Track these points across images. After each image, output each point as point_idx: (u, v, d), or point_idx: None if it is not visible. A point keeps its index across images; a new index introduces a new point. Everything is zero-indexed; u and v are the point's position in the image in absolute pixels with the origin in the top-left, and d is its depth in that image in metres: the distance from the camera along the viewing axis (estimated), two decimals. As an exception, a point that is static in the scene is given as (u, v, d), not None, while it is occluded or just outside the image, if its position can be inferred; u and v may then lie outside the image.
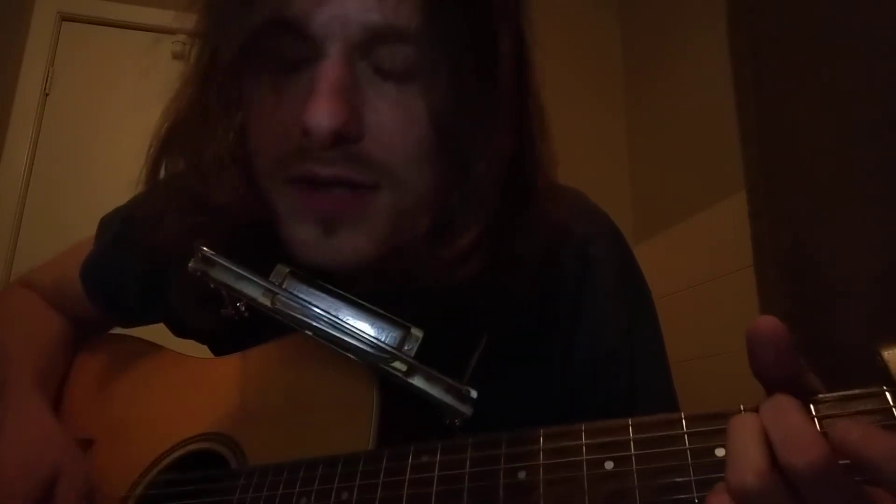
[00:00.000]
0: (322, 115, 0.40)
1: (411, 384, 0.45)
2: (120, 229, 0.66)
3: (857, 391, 0.33)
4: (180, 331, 0.68)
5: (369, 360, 0.46)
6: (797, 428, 0.30)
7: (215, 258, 0.48)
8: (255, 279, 0.48)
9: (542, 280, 0.54)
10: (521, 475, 0.39)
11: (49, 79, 2.15)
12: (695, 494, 0.33)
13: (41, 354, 0.65)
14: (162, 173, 0.52)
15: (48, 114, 2.14)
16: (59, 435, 0.57)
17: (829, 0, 1.29)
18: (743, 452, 0.31)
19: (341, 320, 0.47)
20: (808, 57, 1.32)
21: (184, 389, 0.61)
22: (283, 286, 0.48)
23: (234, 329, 0.53)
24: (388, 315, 0.47)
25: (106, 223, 0.71)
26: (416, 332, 0.46)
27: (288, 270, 0.49)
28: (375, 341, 0.46)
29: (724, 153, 1.78)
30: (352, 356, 0.47)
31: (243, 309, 0.50)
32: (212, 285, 0.49)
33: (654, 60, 2.39)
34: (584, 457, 0.37)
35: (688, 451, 0.35)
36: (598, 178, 2.42)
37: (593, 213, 0.61)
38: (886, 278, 1.16)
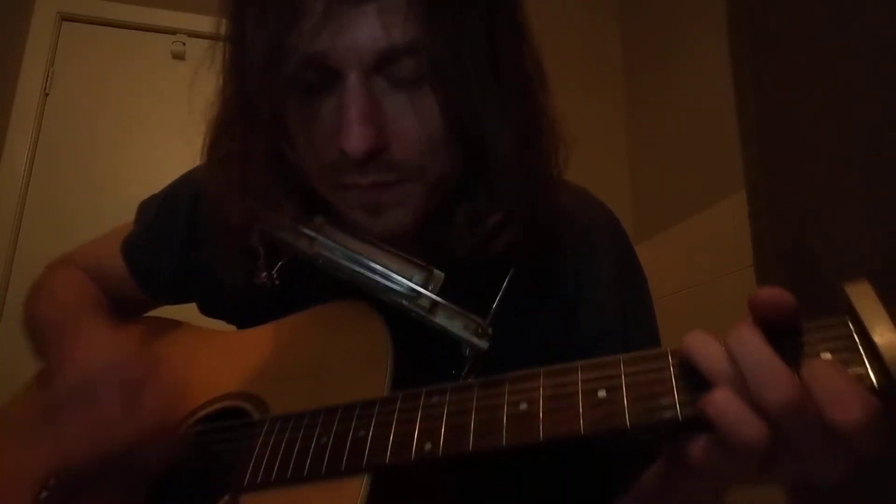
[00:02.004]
0: (356, 140, 0.49)
1: (433, 321, 0.51)
2: (158, 212, 0.74)
3: (824, 320, 0.37)
4: (210, 309, 0.74)
5: (396, 299, 0.52)
6: (765, 362, 0.35)
7: (264, 210, 0.55)
8: (293, 227, 0.55)
9: (546, 260, 0.61)
10: (523, 406, 0.42)
11: (49, 79, 2.15)
12: (678, 412, 0.38)
13: (97, 302, 0.72)
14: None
15: (48, 114, 2.14)
16: (137, 340, 0.61)
17: (829, 0, 1.29)
18: (720, 358, 0.37)
19: (372, 263, 0.53)
20: (808, 57, 1.32)
21: (211, 358, 0.66)
22: (320, 234, 0.55)
23: (260, 303, 0.63)
24: (414, 259, 0.54)
25: (145, 206, 0.77)
26: (439, 274, 0.52)
27: (325, 220, 0.56)
28: (402, 280, 0.52)
29: (724, 153, 1.78)
30: (381, 297, 0.53)
31: (275, 276, 0.59)
32: (255, 240, 0.57)
33: (654, 60, 2.39)
34: (580, 387, 0.41)
35: (672, 377, 0.39)
36: (598, 179, 2.42)
37: (597, 204, 0.68)
38: (886, 278, 1.16)
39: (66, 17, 2.21)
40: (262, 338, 0.64)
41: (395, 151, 0.51)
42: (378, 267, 0.53)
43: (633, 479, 0.50)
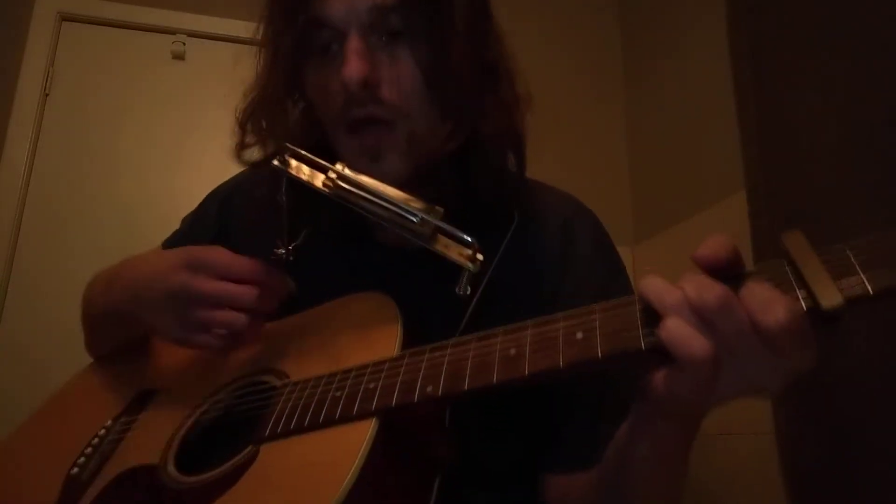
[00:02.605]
0: (352, 70, 0.62)
1: (434, 248, 0.60)
2: (194, 215, 0.89)
3: (764, 264, 0.44)
4: None
5: (403, 224, 0.60)
6: (706, 281, 0.43)
7: (297, 150, 0.66)
8: (319, 163, 0.65)
9: (530, 243, 0.71)
10: (512, 351, 0.49)
11: (49, 79, 2.15)
12: (641, 341, 0.44)
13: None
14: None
15: (48, 114, 2.14)
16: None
17: (829, 0, 1.29)
18: (669, 292, 0.44)
19: (383, 197, 0.61)
20: (808, 57, 1.32)
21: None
22: (339, 178, 0.64)
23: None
24: (418, 198, 0.61)
25: (184, 219, 0.91)
26: (438, 208, 0.60)
27: (343, 166, 0.64)
28: (409, 208, 0.60)
29: (724, 153, 1.78)
30: (392, 226, 0.61)
31: (290, 251, 0.69)
32: (287, 179, 0.66)
33: (653, 60, 2.39)
34: (561, 332, 0.48)
35: (637, 314, 0.46)
36: (598, 178, 2.43)
37: (578, 203, 0.78)
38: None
39: (66, 17, 2.21)
40: (281, 327, 0.70)
41: (384, 90, 0.64)
42: (388, 199, 0.61)
43: (611, 435, 0.58)
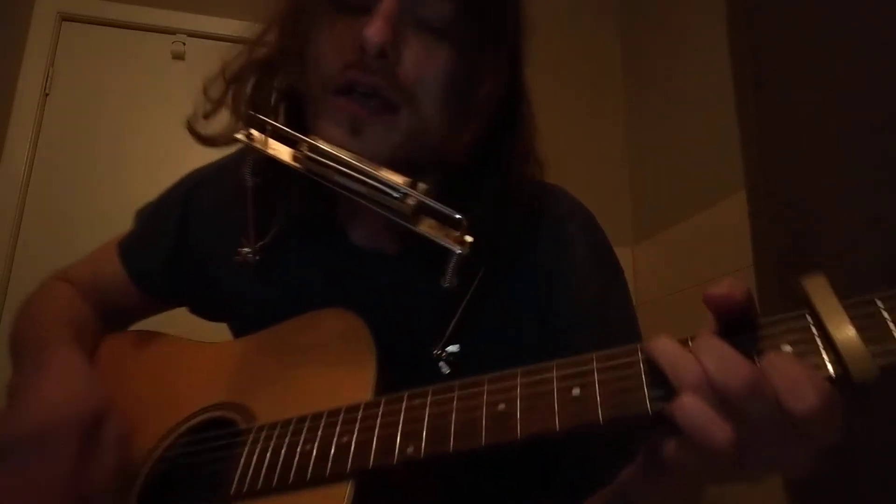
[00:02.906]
0: (378, 31, 0.53)
1: (417, 230, 0.54)
2: (154, 210, 0.77)
3: (784, 315, 0.39)
4: (200, 306, 0.76)
5: (382, 200, 0.54)
6: (728, 354, 0.37)
7: (264, 119, 0.58)
8: (291, 135, 0.58)
9: (522, 248, 0.64)
10: (501, 407, 0.44)
11: (49, 79, 2.15)
12: (648, 407, 0.39)
13: (74, 320, 0.72)
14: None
15: (48, 114, 2.14)
16: (99, 384, 0.61)
17: (829, 0, 1.29)
18: (685, 362, 0.38)
19: (360, 171, 0.55)
20: (808, 57, 1.32)
21: (197, 370, 0.66)
22: (311, 150, 0.57)
23: (246, 290, 0.67)
24: (398, 173, 0.55)
25: (141, 210, 0.80)
26: (422, 185, 0.54)
27: (315, 139, 0.57)
28: (390, 180, 0.54)
29: (724, 153, 1.78)
30: (372, 205, 0.55)
31: (257, 251, 0.63)
32: (253, 156, 0.59)
33: (654, 60, 2.39)
34: (555, 386, 0.43)
35: (643, 374, 0.40)
36: (598, 179, 2.43)
37: (571, 200, 0.71)
38: (887, 278, 1.16)
39: (66, 17, 2.21)
40: (246, 349, 0.64)
41: (402, 69, 0.56)
42: (366, 173, 0.55)
43: (613, 474, 0.51)
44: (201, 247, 0.71)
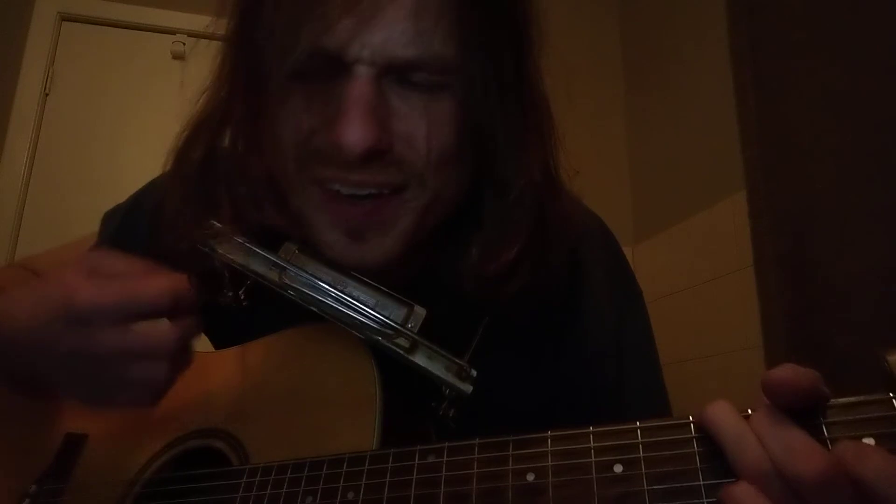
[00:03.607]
0: (356, 134, 0.42)
1: (413, 361, 0.47)
2: (122, 222, 0.67)
3: (863, 398, 0.33)
4: None
5: (373, 336, 0.47)
6: (799, 439, 0.31)
7: (226, 232, 0.50)
8: (264, 254, 0.50)
9: (538, 279, 0.55)
10: (530, 477, 0.38)
11: (49, 79, 2.15)
12: (704, 500, 0.33)
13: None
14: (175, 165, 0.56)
15: (48, 114, 2.14)
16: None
17: (829, 0, 1.29)
18: (746, 444, 0.32)
19: (347, 296, 0.48)
20: (808, 58, 1.32)
21: (181, 384, 0.59)
22: (292, 263, 0.50)
23: (232, 318, 0.55)
24: (393, 293, 0.49)
25: (109, 218, 0.72)
26: (420, 311, 0.48)
27: (296, 248, 0.50)
28: (380, 317, 0.47)
29: (724, 153, 1.78)
30: (356, 333, 0.48)
31: (242, 297, 0.52)
32: (218, 263, 0.50)
33: (654, 60, 2.39)
34: (593, 459, 0.37)
35: (696, 455, 0.35)
36: (598, 178, 2.42)
37: (586, 214, 0.63)
38: (886, 278, 1.16)
39: (66, 17, 2.21)
40: (234, 364, 0.58)
41: (398, 150, 0.45)
42: (354, 302, 0.48)
43: None
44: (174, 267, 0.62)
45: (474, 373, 0.46)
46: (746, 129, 1.51)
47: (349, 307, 0.48)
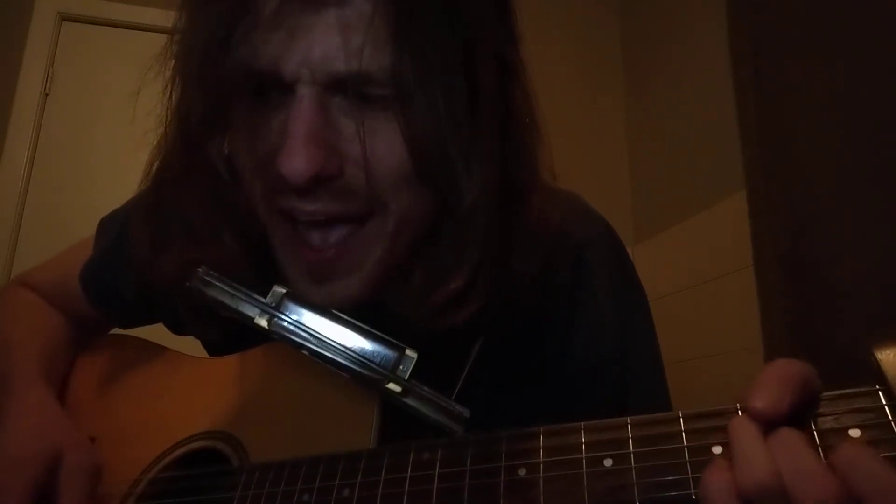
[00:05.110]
0: (297, 161, 0.40)
1: (406, 403, 0.47)
2: (119, 233, 0.65)
3: (851, 390, 0.34)
4: (179, 329, 0.67)
5: (364, 382, 0.47)
6: (807, 463, 0.32)
7: (212, 280, 0.50)
8: (251, 300, 0.50)
9: (537, 284, 0.52)
10: (522, 472, 0.39)
11: (49, 79, 2.15)
12: (692, 490, 0.34)
13: (45, 348, 0.65)
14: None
15: (48, 114, 2.14)
16: (62, 420, 0.57)
17: (829, 0, 1.29)
18: (753, 454, 0.32)
19: (336, 342, 0.48)
20: (808, 57, 1.32)
21: (186, 388, 0.62)
22: (279, 308, 0.50)
23: (234, 332, 0.54)
24: (384, 336, 0.48)
25: (105, 226, 0.70)
26: (411, 354, 0.48)
27: (284, 292, 0.50)
28: (370, 363, 0.47)
29: (724, 153, 1.78)
30: (346, 375, 0.48)
31: (228, 331, 0.52)
32: (208, 305, 0.50)
33: (654, 60, 2.39)
34: (584, 454, 0.38)
35: (685, 449, 0.35)
36: (598, 178, 2.43)
37: (588, 216, 0.61)
38: (886, 277, 1.16)
39: (66, 17, 2.21)
40: (237, 368, 0.59)
41: (350, 177, 0.43)
42: (343, 348, 0.48)
43: None
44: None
45: (467, 414, 0.45)
46: (746, 128, 1.51)
47: (339, 353, 0.48)
